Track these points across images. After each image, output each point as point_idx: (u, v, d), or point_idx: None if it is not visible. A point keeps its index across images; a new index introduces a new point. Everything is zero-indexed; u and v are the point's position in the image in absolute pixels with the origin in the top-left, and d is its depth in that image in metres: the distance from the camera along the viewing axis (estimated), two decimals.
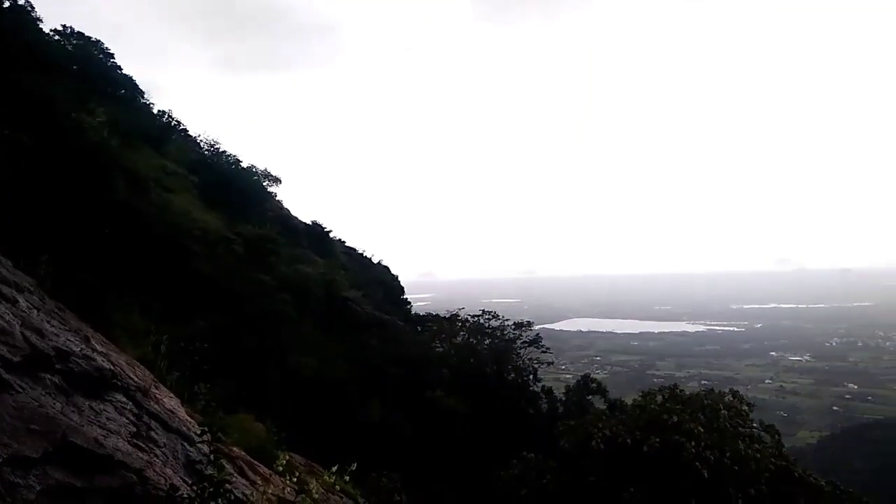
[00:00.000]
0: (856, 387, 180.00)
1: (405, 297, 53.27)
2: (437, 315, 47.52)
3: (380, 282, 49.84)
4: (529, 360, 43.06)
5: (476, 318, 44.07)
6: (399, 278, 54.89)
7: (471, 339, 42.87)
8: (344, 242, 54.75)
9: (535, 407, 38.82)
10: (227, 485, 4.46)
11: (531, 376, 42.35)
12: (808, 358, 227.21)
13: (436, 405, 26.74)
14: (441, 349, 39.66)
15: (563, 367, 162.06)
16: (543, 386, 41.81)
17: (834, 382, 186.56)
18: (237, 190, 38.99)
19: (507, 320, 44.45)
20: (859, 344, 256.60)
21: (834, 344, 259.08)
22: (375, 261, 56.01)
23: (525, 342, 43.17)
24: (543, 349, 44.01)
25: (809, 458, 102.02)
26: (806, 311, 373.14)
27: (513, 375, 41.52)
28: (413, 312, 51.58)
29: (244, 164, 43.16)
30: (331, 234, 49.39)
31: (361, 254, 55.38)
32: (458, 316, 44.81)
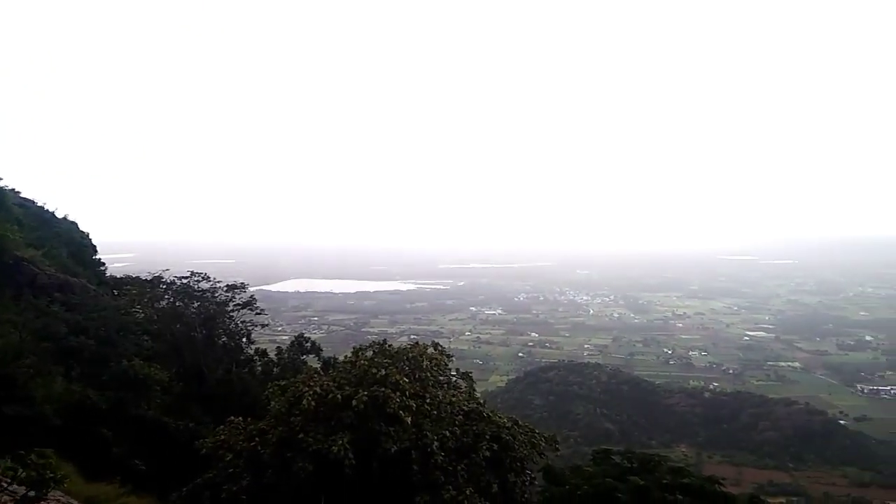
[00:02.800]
0: (537, 335, 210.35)
1: (99, 257, 47.89)
2: (138, 277, 43.67)
3: (66, 240, 44.05)
4: (243, 322, 41.75)
5: (184, 280, 41.35)
6: (91, 236, 49.04)
7: (177, 303, 40.09)
8: (19, 193, 46.96)
9: (250, 370, 37.93)
10: None
11: (244, 339, 41.24)
12: (500, 311, 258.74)
13: (134, 375, 24.40)
14: (142, 314, 36.41)
15: (280, 329, 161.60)
16: (258, 348, 41.00)
17: (520, 332, 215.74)
18: None
19: (219, 282, 42.47)
20: (541, 298, 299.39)
21: (521, 298, 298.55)
22: (61, 216, 49.23)
23: (238, 304, 41.65)
24: (258, 311, 42.90)
25: (499, 399, 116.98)
26: (500, 270, 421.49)
27: (224, 339, 40.05)
28: (108, 274, 46.83)
29: None
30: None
31: (42, 207, 48.15)
32: (163, 278, 41.64)
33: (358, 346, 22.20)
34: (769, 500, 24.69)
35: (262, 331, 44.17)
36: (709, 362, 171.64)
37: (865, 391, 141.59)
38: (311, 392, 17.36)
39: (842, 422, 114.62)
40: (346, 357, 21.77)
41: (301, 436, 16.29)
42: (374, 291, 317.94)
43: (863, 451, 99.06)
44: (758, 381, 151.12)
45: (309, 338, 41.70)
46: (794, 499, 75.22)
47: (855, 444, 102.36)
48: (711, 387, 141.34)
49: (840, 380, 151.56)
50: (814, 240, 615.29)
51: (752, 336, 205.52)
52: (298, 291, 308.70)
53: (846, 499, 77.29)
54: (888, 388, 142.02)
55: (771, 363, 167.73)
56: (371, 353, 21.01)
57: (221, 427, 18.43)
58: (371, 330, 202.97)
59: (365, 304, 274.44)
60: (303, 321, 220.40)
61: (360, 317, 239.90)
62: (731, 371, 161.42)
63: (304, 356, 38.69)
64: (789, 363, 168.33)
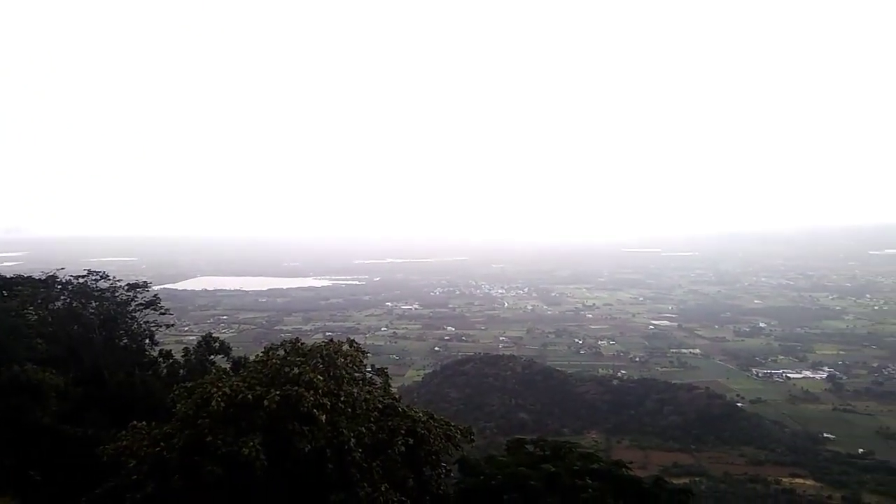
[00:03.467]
0: (454, 329, 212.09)
1: None
2: (30, 277, 41.07)
3: None
4: (146, 323, 40.25)
5: (81, 280, 39.26)
6: None
7: (74, 304, 38.10)
8: None
9: (155, 372, 36.36)
10: None
11: (148, 340, 39.72)
12: (416, 306, 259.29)
13: (26, 381, 22.92)
14: (35, 316, 34.24)
15: (187, 329, 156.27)
16: (162, 349, 39.38)
17: (437, 326, 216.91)
18: None
19: (119, 281, 40.69)
20: (457, 292, 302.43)
21: (437, 293, 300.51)
22: None
23: (141, 304, 40.03)
24: (163, 311, 41.40)
25: (415, 394, 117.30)
26: (416, 265, 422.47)
27: (125, 341, 38.45)
28: None
29: None
30: None
31: None
32: (58, 278, 39.38)
33: (270, 345, 21.61)
34: (673, 481, 25.94)
35: (167, 331, 42.69)
36: (617, 351, 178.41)
37: (760, 375, 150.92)
38: (219, 393, 16.76)
39: (739, 405, 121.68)
40: (257, 356, 21.16)
41: (210, 439, 15.72)
42: (288, 288, 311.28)
43: (758, 432, 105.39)
44: (662, 367, 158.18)
45: (217, 337, 40.42)
46: (697, 479, 78.82)
47: (751, 425, 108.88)
48: (619, 374, 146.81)
49: (737, 365, 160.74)
50: (712, 233, 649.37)
51: (657, 325, 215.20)
52: (206, 290, 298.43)
53: (744, 477, 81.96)
54: (780, 371, 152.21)
55: (674, 350, 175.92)
56: (283, 351, 20.49)
57: (123, 432, 17.54)
58: (284, 328, 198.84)
59: (278, 302, 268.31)
60: (211, 321, 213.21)
61: (273, 315, 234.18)
62: (637, 359, 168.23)
63: (213, 357, 37.44)
64: (691, 350, 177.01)
